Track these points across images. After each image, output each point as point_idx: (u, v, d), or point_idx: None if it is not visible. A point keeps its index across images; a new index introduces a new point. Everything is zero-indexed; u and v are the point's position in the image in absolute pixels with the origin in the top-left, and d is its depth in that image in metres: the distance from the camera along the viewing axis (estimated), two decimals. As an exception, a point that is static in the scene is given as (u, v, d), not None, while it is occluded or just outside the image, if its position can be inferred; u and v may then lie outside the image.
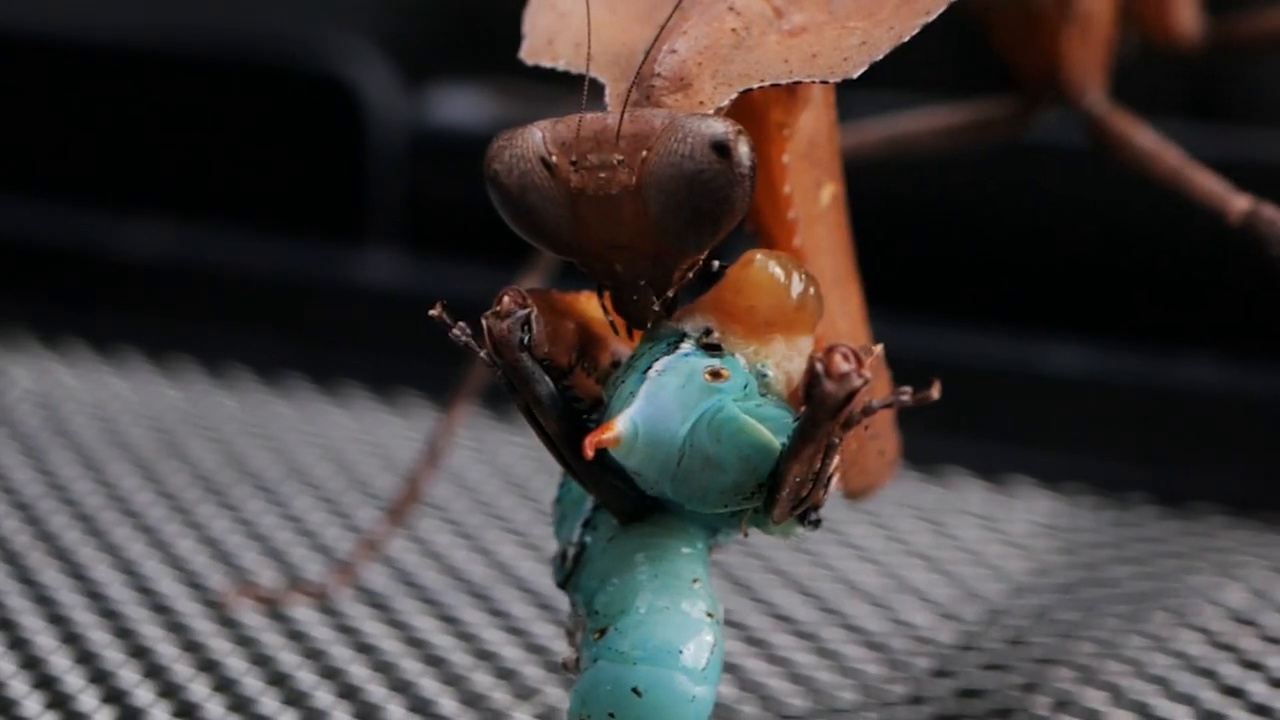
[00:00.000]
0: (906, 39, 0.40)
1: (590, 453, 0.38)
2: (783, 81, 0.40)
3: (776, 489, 0.38)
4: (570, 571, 0.41)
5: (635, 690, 0.39)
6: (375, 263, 0.67)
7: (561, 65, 0.42)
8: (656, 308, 0.40)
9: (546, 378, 0.39)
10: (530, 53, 0.42)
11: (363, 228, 0.67)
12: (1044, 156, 0.60)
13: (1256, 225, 0.48)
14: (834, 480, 0.39)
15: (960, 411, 0.58)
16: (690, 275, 0.40)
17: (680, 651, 0.39)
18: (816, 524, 0.40)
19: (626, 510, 0.40)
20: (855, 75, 0.40)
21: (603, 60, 0.41)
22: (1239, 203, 0.48)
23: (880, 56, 0.40)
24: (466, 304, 0.40)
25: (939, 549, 0.57)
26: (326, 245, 0.67)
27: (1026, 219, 0.63)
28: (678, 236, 0.39)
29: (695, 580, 0.40)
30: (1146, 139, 0.50)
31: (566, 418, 0.40)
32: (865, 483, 0.44)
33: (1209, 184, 0.49)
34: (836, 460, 0.39)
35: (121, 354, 0.67)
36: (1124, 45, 0.53)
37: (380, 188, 0.67)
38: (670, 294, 0.40)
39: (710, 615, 0.39)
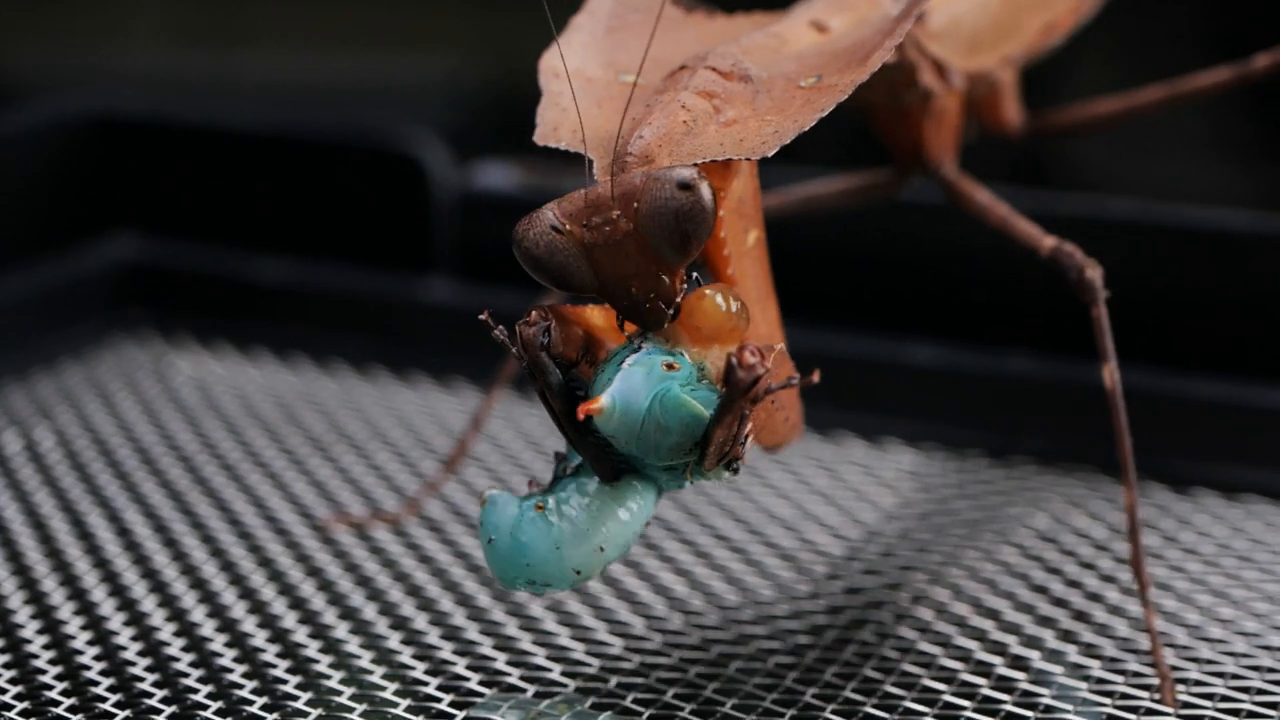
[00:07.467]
0: (807, 129, 0.40)
1: (581, 416, 0.38)
2: (719, 158, 0.40)
3: (706, 446, 0.38)
4: (559, 474, 0.41)
5: (558, 547, 0.40)
6: (436, 286, 0.66)
7: (563, 146, 0.41)
8: (667, 311, 0.39)
9: (556, 369, 0.39)
10: (541, 137, 0.42)
11: (428, 261, 0.67)
12: (912, 210, 0.59)
13: (1059, 257, 0.47)
14: (749, 440, 0.39)
15: (849, 391, 0.58)
16: (683, 285, 0.39)
17: (583, 553, 0.40)
18: (736, 471, 0.39)
19: (606, 469, 0.40)
20: (771, 155, 0.40)
21: (592, 143, 0.41)
22: (1048, 241, 0.48)
23: (789, 141, 0.40)
24: (501, 315, 0.40)
25: (833, 489, 0.57)
26: (401, 273, 0.67)
27: (900, 255, 0.62)
28: (671, 253, 0.38)
29: (626, 526, 0.40)
30: (984, 196, 0.50)
31: (568, 398, 0.39)
32: (775, 441, 0.44)
33: (1026, 227, 0.49)
34: (750, 426, 0.39)
35: (255, 350, 0.67)
36: (968, 131, 0.52)
37: (440, 233, 0.66)
38: (674, 301, 0.39)
39: (602, 549, 0.40)
